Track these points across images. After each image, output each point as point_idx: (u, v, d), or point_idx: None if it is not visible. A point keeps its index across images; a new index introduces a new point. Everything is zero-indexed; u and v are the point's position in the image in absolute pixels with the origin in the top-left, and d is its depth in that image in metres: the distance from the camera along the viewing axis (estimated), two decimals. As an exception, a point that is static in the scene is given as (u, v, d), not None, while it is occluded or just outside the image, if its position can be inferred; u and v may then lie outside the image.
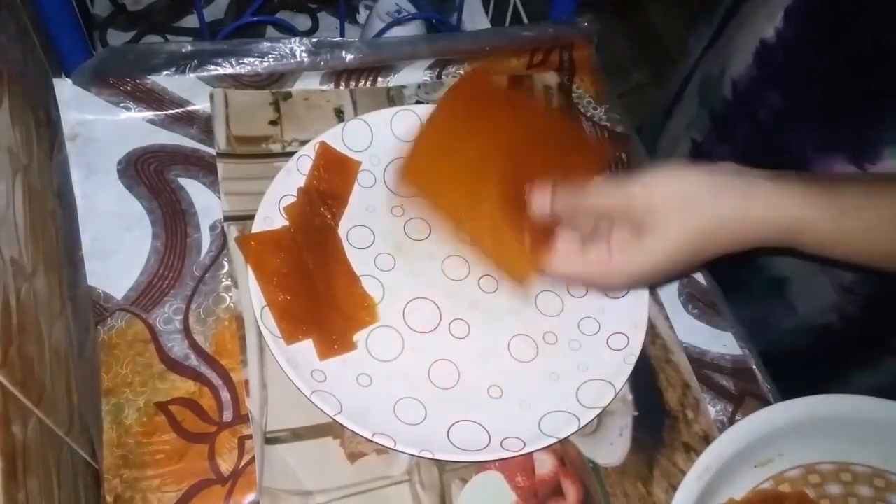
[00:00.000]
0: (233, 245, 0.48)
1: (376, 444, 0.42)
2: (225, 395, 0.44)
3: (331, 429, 0.43)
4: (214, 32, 0.65)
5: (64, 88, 0.53)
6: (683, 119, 0.63)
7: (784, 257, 0.54)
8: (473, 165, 0.44)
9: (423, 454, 0.41)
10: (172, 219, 0.50)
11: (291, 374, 0.42)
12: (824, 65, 0.49)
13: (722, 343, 0.52)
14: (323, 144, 0.52)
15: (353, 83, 0.58)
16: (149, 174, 0.51)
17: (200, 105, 0.55)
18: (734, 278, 0.56)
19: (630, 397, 0.48)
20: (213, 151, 0.53)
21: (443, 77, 0.60)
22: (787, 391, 0.49)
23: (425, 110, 0.56)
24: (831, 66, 0.49)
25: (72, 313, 0.46)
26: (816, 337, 0.56)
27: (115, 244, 0.48)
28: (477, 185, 0.44)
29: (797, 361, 0.55)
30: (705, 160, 0.56)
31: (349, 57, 0.55)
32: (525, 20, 0.69)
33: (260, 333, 0.45)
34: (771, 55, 0.52)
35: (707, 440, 0.46)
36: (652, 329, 0.50)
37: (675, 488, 0.39)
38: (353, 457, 0.43)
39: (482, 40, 0.59)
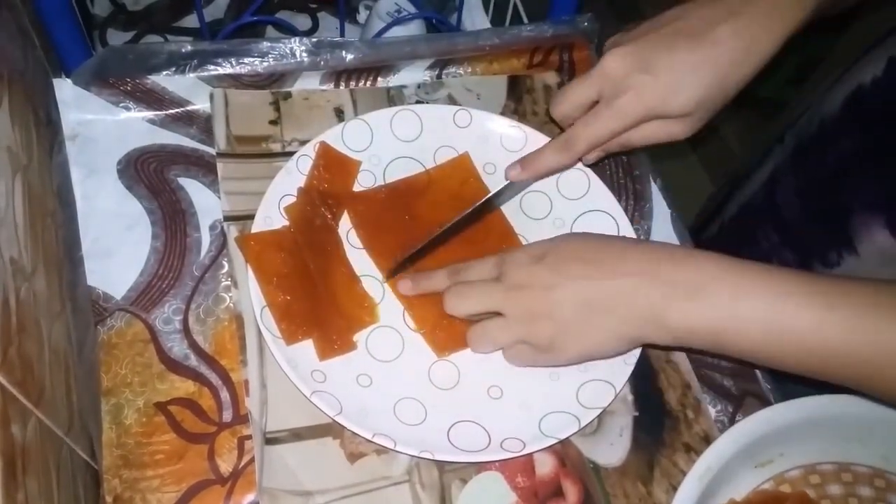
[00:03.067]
0: (233, 245, 0.48)
1: (376, 444, 0.42)
2: (224, 395, 0.44)
3: (331, 429, 0.43)
4: (214, 32, 0.65)
5: (64, 88, 0.53)
6: (786, 149, 0.62)
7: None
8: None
9: (423, 454, 0.41)
10: (172, 219, 0.50)
11: (291, 374, 0.42)
12: None
13: (722, 343, 0.52)
14: (323, 144, 0.52)
15: (353, 83, 0.58)
16: (149, 174, 0.51)
17: (200, 105, 0.55)
18: None
19: (630, 398, 0.47)
20: (212, 151, 0.53)
21: (443, 77, 0.60)
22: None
23: (425, 110, 0.56)
24: None
25: (71, 313, 0.46)
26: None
27: (115, 244, 0.48)
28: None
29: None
30: (772, 190, 0.59)
31: (349, 57, 0.55)
32: (525, 20, 0.69)
33: (260, 333, 0.45)
34: (861, 100, 0.51)
35: (707, 440, 0.46)
36: (652, 329, 0.50)
37: (675, 488, 0.39)
38: (353, 457, 0.43)
39: (482, 40, 0.59)
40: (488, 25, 0.72)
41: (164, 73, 0.53)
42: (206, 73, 0.54)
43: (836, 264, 0.52)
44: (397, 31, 0.65)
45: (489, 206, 0.52)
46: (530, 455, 0.44)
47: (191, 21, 0.75)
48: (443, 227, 0.50)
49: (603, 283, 0.41)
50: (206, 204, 0.51)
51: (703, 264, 0.40)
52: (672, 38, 0.45)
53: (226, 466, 0.42)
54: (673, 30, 0.45)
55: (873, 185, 0.50)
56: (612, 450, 0.46)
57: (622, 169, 0.59)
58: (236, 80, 0.55)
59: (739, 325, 0.38)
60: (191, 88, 0.54)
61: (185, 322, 0.46)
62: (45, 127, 0.50)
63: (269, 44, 0.54)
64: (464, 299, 0.44)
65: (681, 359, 0.50)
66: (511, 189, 0.52)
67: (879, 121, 0.50)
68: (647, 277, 0.40)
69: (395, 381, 0.45)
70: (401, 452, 0.42)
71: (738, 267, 0.39)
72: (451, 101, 0.59)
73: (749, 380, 0.50)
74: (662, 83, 0.45)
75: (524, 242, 0.52)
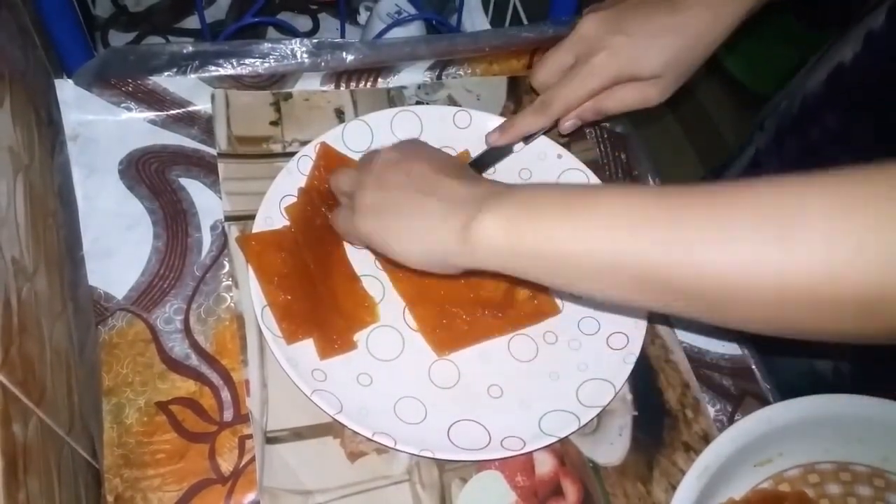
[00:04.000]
0: (233, 245, 0.48)
1: (376, 443, 0.42)
2: (225, 394, 0.44)
3: (331, 428, 0.43)
4: (216, 33, 0.65)
5: (65, 89, 0.53)
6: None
7: None
8: None
9: (424, 453, 0.41)
10: (173, 219, 0.50)
11: (292, 373, 0.43)
12: (883, 95, 0.49)
13: (721, 343, 0.52)
14: (323, 145, 0.52)
15: (353, 84, 0.58)
16: (150, 174, 0.52)
17: (201, 105, 0.55)
18: None
19: (630, 397, 0.48)
20: (213, 152, 0.53)
21: (443, 77, 0.61)
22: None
23: (425, 111, 0.56)
24: (888, 98, 0.49)
25: (73, 313, 0.46)
26: (810, 384, 0.56)
27: (116, 244, 0.48)
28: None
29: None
30: (753, 172, 0.59)
31: (350, 58, 0.56)
32: (525, 20, 0.69)
33: (260, 333, 0.45)
34: (842, 77, 0.52)
35: (707, 440, 0.46)
36: (651, 329, 0.50)
37: (674, 488, 0.39)
38: (354, 456, 0.43)
39: (482, 41, 0.59)
40: (488, 26, 0.72)
41: (166, 73, 0.54)
42: (207, 74, 0.54)
43: None
44: (397, 33, 0.65)
45: None
46: (530, 454, 0.44)
47: (192, 22, 0.75)
48: None
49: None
50: (207, 204, 0.51)
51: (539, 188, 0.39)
52: (645, 5, 0.48)
53: (226, 466, 0.42)
54: None
55: (861, 159, 0.50)
56: (611, 449, 0.46)
57: (622, 169, 0.59)
58: (237, 81, 0.55)
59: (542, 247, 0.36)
60: (192, 89, 0.55)
61: (186, 322, 0.46)
62: (46, 127, 0.50)
63: (270, 45, 0.55)
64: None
65: (680, 358, 0.50)
66: (491, 156, 0.54)
67: (860, 97, 0.51)
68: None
69: (396, 380, 0.45)
70: (401, 451, 0.42)
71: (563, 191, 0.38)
72: (451, 101, 0.60)
73: (748, 379, 0.50)
74: (635, 44, 0.48)
75: None
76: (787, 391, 0.51)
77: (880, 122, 0.50)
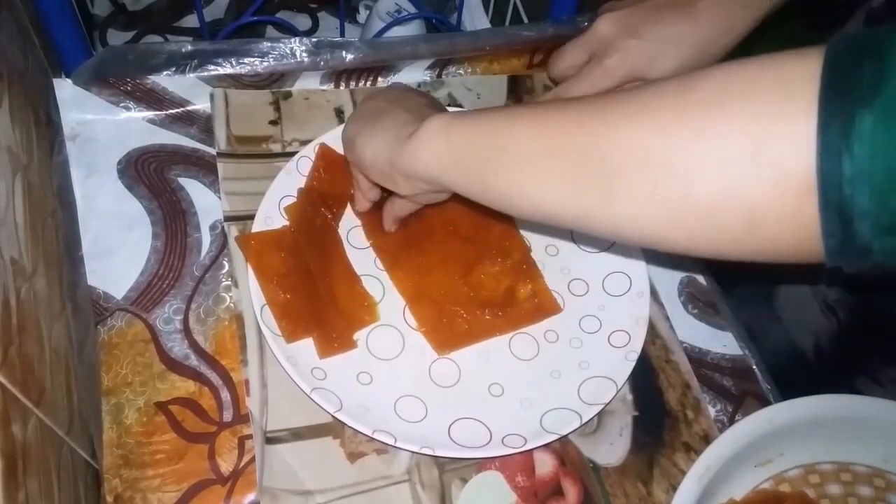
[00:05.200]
0: (233, 245, 0.48)
1: (377, 441, 0.42)
2: (225, 394, 0.44)
3: (331, 428, 0.43)
4: (214, 32, 0.65)
5: (64, 88, 0.53)
6: None
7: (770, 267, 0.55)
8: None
9: (424, 451, 0.41)
10: (172, 219, 0.50)
11: (291, 371, 0.42)
12: None
13: (722, 343, 0.52)
14: (323, 146, 0.52)
15: (353, 83, 0.58)
16: (149, 174, 0.51)
17: (200, 105, 0.55)
18: (727, 281, 0.56)
19: (630, 397, 0.48)
20: (213, 151, 0.53)
21: (443, 77, 0.60)
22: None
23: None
24: None
25: (72, 313, 0.46)
26: (794, 361, 0.56)
27: (116, 244, 0.48)
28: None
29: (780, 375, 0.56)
30: None
31: (349, 57, 0.55)
32: (525, 20, 0.69)
33: (260, 333, 0.45)
34: (873, 22, 0.52)
35: (707, 440, 0.46)
36: (652, 329, 0.50)
37: (675, 488, 0.39)
38: (354, 456, 0.43)
39: (482, 40, 0.59)
40: (488, 25, 0.72)
41: (165, 73, 0.53)
42: (206, 73, 0.54)
43: None
44: (397, 31, 0.65)
45: None
46: (531, 453, 0.44)
47: (191, 21, 0.75)
48: None
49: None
50: (207, 204, 0.51)
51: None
52: (659, 9, 0.49)
53: (226, 466, 0.42)
54: (662, 1, 0.49)
55: None
56: (611, 449, 0.46)
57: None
58: (236, 80, 0.55)
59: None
60: (191, 88, 0.54)
61: (185, 322, 0.46)
62: (45, 127, 0.50)
63: (269, 44, 0.54)
64: None
65: (681, 359, 0.50)
66: None
67: None
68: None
69: (396, 378, 0.45)
70: (401, 449, 0.42)
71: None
72: (452, 100, 0.59)
73: (749, 379, 0.50)
74: (647, 48, 0.48)
75: (526, 241, 0.52)
76: (771, 367, 0.52)
77: None
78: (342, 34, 0.66)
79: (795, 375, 0.56)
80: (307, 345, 0.45)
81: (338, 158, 0.52)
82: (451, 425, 0.43)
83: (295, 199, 0.50)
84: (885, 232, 0.25)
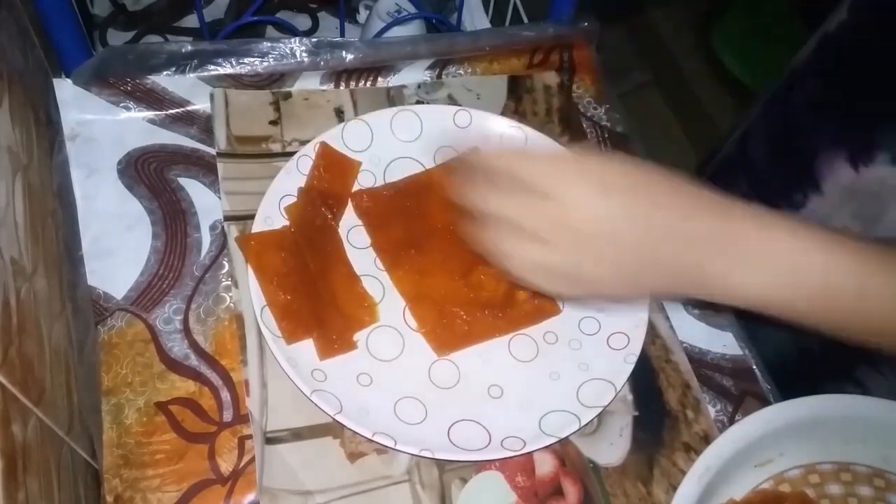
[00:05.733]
0: (233, 245, 0.48)
1: (376, 443, 0.42)
2: (225, 394, 0.44)
3: (331, 429, 0.43)
4: (214, 32, 0.65)
5: (64, 88, 0.53)
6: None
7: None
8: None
9: (424, 453, 0.41)
10: (172, 219, 0.50)
11: (291, 373, 0.42)
12: (859, 61, 0.49)
13: (722, 343, 0.52)
14: (323, 145, 0.52)
15: (353, 83, 0.58)
16: (149, 174, 0.51)
17: (200, 105, 0.55)
18: None
19: (630, 397, 0.48)
20: (213, 151, 0.53)
21: (443, 77, 0.60)
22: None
23: (425, 110, 0.56)
24: (864, 61, 0.49)
25: (72, 313, 0.46)
26: (800, 352, 0.56)
27: (115, 244, 0.48)
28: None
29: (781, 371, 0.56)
30: (744, 142, 0.59)
31: (349, 57, 0.55)
32: (525, 20, 0.69)
33: (260, 333, 0.45)
34: (828, 46, 0.52)
35: (707, 440, 0.46)
36: (652, 329, 0.50)
37: (675, 488, 0.39)
38: (353, 457, 0.43)
39: (482, 40, 0.59)
40: (488, 25, 0.72)
41: (165, 73, 0.54)
42: (206, 73, 0.54)
43: (801, 205, 0.53)
44: (397, 31, 0.65)
45: None
46: (530, 454, 0.44)
47: (191, 21, 0.75)
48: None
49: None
50: (207, 204, 0.51)
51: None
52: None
53: (226, 466, 0.42)
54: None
55: (837, 122, 0.51)
56: (611, 449, 0.46)
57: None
58: (236, 81, 0.55)
59: (794, 291, 0.36)
60: (191, 88, 0.54)
61: (185, 322, 0.46)
62: (45, 127, 0.50)
63: (269, 44, 0.55)
64: None
65: (681, 359, 0.50)
66: None
67: (846, 60, 0.51)
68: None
69: (396, 380, 0.45)
70: (401, 451, 0.42)
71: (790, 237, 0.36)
72: (452, 101, 0.59)
73: (749, 379, 0.50)
74: None
75: None
76: (776, 359, 0.52)
77: (852, 89, 0.50)
78: (342, 34, 0.66)
79: (800, 366, 0.56)
80: (307, 346, 0.45)
81: (338, 158, 0.52)
82: (450, 427, 0.43)
83: (295, 199, 0.50)
84: None
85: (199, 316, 0.46)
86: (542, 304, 0.49)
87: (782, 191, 0.55)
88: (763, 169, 0.58)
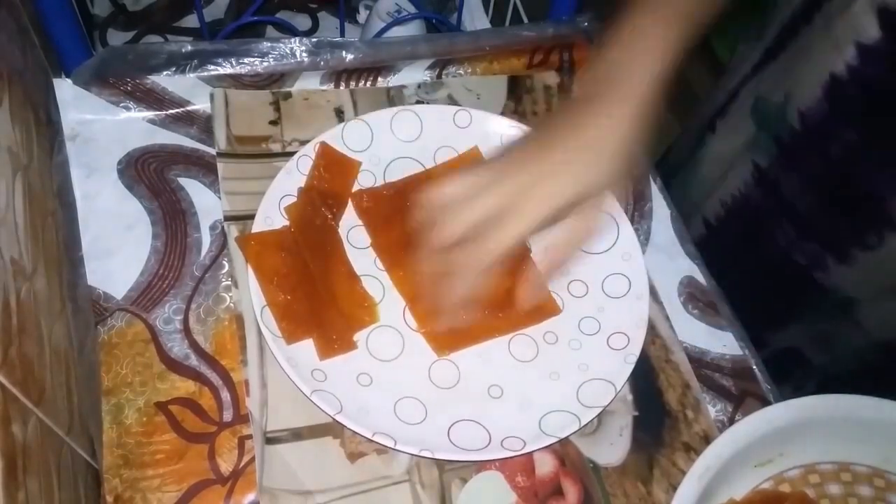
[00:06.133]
0: (233, 245, 0.48)
1: (376, 443, 0.42)
2: (225, 394, 0.44)
3: (331, 429, 0.43)
4: (214, 32, 0.65)
5: (64, 88, 0.53)
6: (737, 138, 0.61)
7: (854, 280, 0.53)
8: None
9: (423, 453, 0.41)
10: (172, 219, 0.50)
11: (291, 373, 0.42)
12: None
13: (722, 343, 0.52)
14: (323, 144, 0.52)
15: (353, 83, 0.58)
16: (149, 174, 0.51)
17: (200, 105, 0.55)
18: (800, 298, 0.55)
19: (630, 397, 0.48)
20: (213, 151, 0.53)
21: (443, 77, 0.60)
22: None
23: (425, 110, 0.56)
24: None
25: (72, 313, 0.46)
26: (886, 352, 0.56)
27: (115, 244, 0.48)
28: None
29: (863, 375, 0.55)
30: (771, 186, 0.57)
31: (349, 57, 0.55)
32: (525, 20, 0.69)
33: (260, 333, 0.45)
34: (844, 91, 0.50)
35: (707, 440, 0.46)
36: (652, 329, 0.50)
37: (675, 488, 0.39)
38: (353, 457, 0.43)
39: (482, 40, 0.59)
40: (488, 25, 0.72)
41: (165, 73, 0.54)
42: (206, 74, 0.54)
43: (876, 246, 0.52)
44: (397, 31, 0.65)
45: None
46: (530, 454, 0.44)
47: (191, 21, 0.75)
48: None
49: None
50: (207, 204, 0.51)
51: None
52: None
53: (226, 466, 0.42)
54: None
55: (893, 168, 0.49)
56: (611, 449, 0.46)
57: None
58: (236, 81, 0.55)
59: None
60: (191, 88, 0.54)
61: (185, 322, 0.46)
62: (45, 127, 0.50)
63: (269, 44, 0.55)
64: None
65: (681, 359, 0.50)
66: None
67: (870, 111, 0.50)
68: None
69: (396, 380, 0.45)
70: (401, 451, 0.42)
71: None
72: (452, 101, 0.59)
73: (749, 380, 0.50)
74: None
75: (527, 243, 0.52)
76: (846, 372, 0.51)
77: None
78: (342, 34, 0.66)
79: (870, 379, 0.56)
80: (307, 346, 0.45)
81: (338, 158, 0.52)
82: (450, 427, 0.43)
83: (295, 199, 0.50)
84: None
85: (199, 316, 0.46)
86: (541, 304, 0.49)
87: (850, 235, 0.53)
88: (813, 214, 0.55)
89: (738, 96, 0.61)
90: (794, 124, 0.54)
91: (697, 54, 0.46)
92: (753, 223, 0.61)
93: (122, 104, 0.53)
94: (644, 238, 0.55)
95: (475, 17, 0.72)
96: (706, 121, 0.65)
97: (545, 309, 0.49)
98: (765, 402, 0.49)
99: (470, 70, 0.61)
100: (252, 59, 0.54)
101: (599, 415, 0.45)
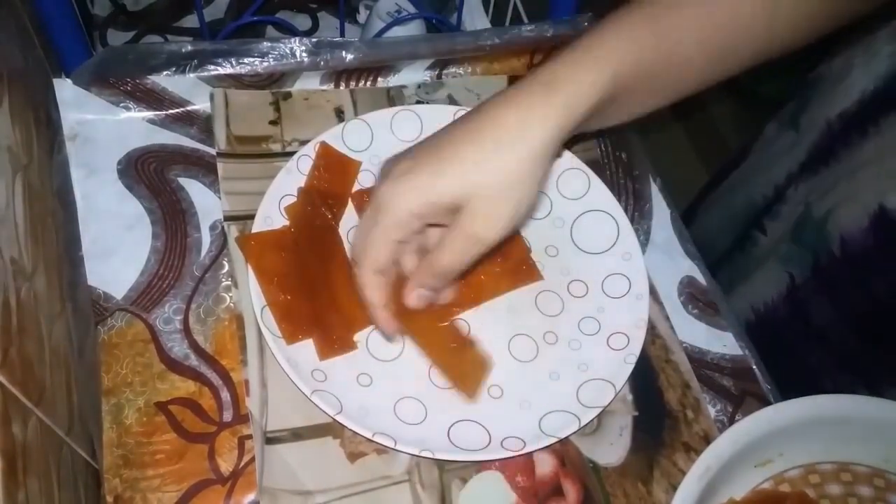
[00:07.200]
0: (233, 245, 0.48)
1: (376, 443, 0.42)
2: (225, 394, 0.44)
3: (331, 429, 0.43)
4: (214, 32, 0.65)
5: (64, 88, 0.53)
6: (772, 238, 0.57)
7: None
8: None
9: (424, 454, 0.41)
10: (172, 219, 0.50)
11: (291, 373, 0.42)
12: None
13: (722, 343, 0.52)
14: (323, 144, 0.52)
15: (353, 83, 0.58)
16: (149, 174, 0.51)
17: (200, 105, 0.55)
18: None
19: (630, 397, 0.48)
20: (213, 151, 0.53)
21: (443, 77, 0.60)
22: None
23: (425, 110, 0.56)
24: None
25: (72, 313, 0.46)
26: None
27: (115, 244, 0.48)
28: None
29: None
30: (802, 303, 0.54)
31: (349, 57, 0.55)
32: (525, 20, 0.69)
33: (260, 333, 0.45)
34: (891, 226, 0.46)
35: (707, 440, 0.46)
36: (652, 329, 0.50)
37: (675, 488, 0.39)
38: (353, 457, 0.43)
39: (482, 40, 0.59)
40: (488, 25, 0.72)
41: (165, 73, 0.53)
42: (206, 74, 0.54)
43: None
44: (397, 31, 0.65)
45: None
46: (530, 454, 0.44)
47: (191, 21, 0.75)
48: None
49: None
50: (207, 204, 0.51)
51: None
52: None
53: (226, 466, 0.42)
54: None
55: None
56: (611, 449, 0.46)
57: (622, 169, 0.59)
58: (236, 80, 0.55)
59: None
60: (191, 88, 0.54)
61: (185, 322, 0.46)
62: (45, 127, 0.50)
63: (269, 44, 0.54)
64: None
65: (681, 359, 0.50)
66: None
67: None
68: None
69: (396, 380, 0.45)
70: (401, 451, 0.42)
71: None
72: (452, 101, 0.59)
73: (749, 379, 0.50)
74: None
75: (526, 242, 0.52)
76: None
77: None
78: (342, 34, 0.66)
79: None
80: (307, 346, 0.45)
81: (338, 158, 0.52)
82: (450, 427, 0.43)
83: (295, 199, 0.50)
84: None
85: (199, 316, 0.46)
86: (518, 268, 0.50)
87: (888, 373, 0.51)
88: (853, 348, 0.53)
89: (786, 199, 0.57)
90: (835, 250, 0.50)
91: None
92: (783, 343, 0.57)
93: (122, 104, 0.53)
94: (644, 238, 0.55)
95: (475, 17, 0.72)
96: (752, 218, 0.60)
97: (523, 273, 0.50)
98: (765, 402, 0.49)
99: (470, 70, 0.61)
100: (252, 59, 0.54)
101: (599, 415, 0.45)
